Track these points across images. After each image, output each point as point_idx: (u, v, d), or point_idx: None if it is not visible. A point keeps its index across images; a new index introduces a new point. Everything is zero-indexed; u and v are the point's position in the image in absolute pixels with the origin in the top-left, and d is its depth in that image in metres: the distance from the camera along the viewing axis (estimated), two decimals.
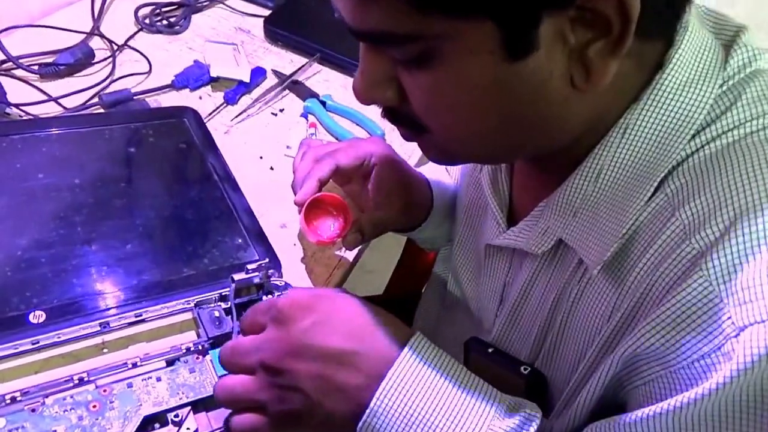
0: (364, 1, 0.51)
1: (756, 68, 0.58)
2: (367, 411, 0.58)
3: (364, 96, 0.60)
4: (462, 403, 0.58)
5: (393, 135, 1.18)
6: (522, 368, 0.70)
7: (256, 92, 1.20)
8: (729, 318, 0.50)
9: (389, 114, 0.63)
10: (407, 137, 0.65)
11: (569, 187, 0.62)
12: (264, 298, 0.80)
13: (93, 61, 1.15)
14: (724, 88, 0.58)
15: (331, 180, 0.87)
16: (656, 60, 0.57)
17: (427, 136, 0.62)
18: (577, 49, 0.51)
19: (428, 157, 0.67)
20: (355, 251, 0.97)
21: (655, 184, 0.57)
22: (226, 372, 0.66)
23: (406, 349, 0.60)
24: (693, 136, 0.57)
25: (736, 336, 0.49)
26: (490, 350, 0.74)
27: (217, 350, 0.73)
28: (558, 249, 0.67)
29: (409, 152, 1.15)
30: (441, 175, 1.00)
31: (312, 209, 0.85)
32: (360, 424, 0.58)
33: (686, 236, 0.54)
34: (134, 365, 0.71)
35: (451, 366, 0.61)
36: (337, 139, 1.15)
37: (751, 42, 0.59)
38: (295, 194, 0.85)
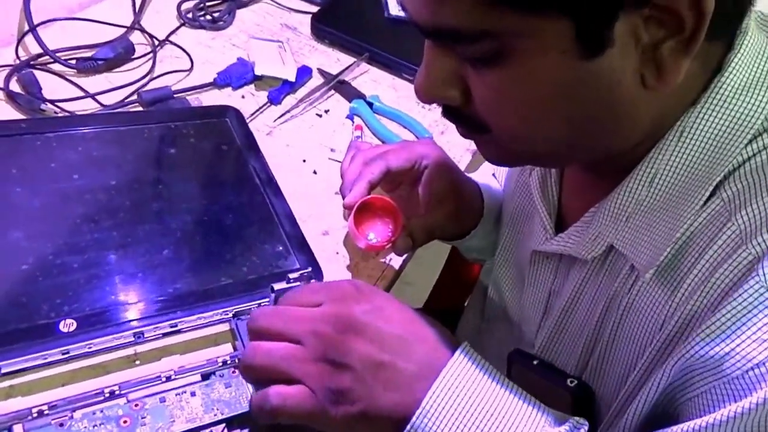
0: None
1: None
2: (418, 411, 0.56)
3: (426, 95, 0.60)
4: (513, 409, 0.57)
5: (441, 139, 1.16)
6: (568, 381, 0.69)
7: (301, 92, 1.19)
8: None
9: (449, 113, 0.62)
10: (466, 135, 0.65)
11: (623, 191, 0.62)
12: None
13: (133, 57, 1.14)
14: None
15: (378, 187, 0.85)
16: (716, 63, 0.58)
17: (487, 136, 0.61)
18: (650, 48, 0.52)
19: (486, 158, 0.68)
20: (400, 261, 0.95)
21: (711, 189, 0.58)
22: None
23: (458, 351, 0.59)
24: (750, 141, 0.57)
25: None
26: (534, 362, 0.74)
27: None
28: (608, 255, 0.67)
29: (458, 156, 1.13)
30: (490, 181, 0.99)
31: (361, 213, 0.84)
32: (413, 420, 0.56)
33: (742, 241, 0.54)
34: (168, 379, 0.70)
35: (498, 374, 0.60)
36: (383, 142, 1.13)
37: None
38: (343, 198, 0.85)
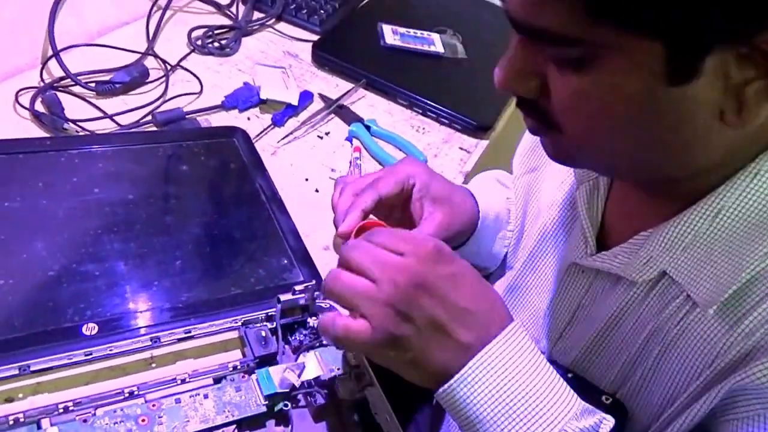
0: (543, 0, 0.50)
1: None
2: (457, 375, 0.58)
3: (505, 84, 0.59)
4: (543, 398, 0.58)
5: (435, 162, 1.18)
6: (603, 398, 0.68)
7: (303, 115, 1.21)
8: None
9: (524, 104, 0.61)
10: (534, 130, 0.64)
11: (683, 221, 0.61)
12: (309, 320, 0.80)
13: (147, 80, 1.16)
14: None
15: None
16: None
17: (556, 135, 0.60)
18: (736, 85, 0.50)
19: (548, 154, 0.66)
20: None
21: None
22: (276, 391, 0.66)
23: (500, 336, 0.60)
24: None
25: None
26: (569, 375, 0.73)
27: (264, 370, 0.73)
28: (659, 281, 0.65)
29: (451, 178, 1.15)
30: (486, 189, 0.98)
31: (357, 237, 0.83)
32: (451, 382, 0.58)
33: None
34: (183, 381, 0.71)
35: (538, 357, 0.60)
36: (380, 163, 1.15)
37: None
38: (336, 228, 0.82)
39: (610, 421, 0.59)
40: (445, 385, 0.58)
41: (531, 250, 0.88)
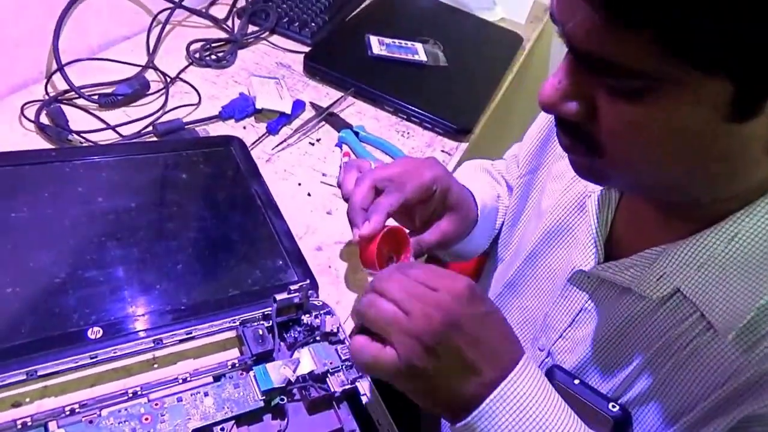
0: (612, 31, 0.46)
1: None
2: (476, 411, 0.56)
3: (551, 105, 0.55)
4: (558, 420, 0.57)
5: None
6: (611, 405, 0.66)
7: (296, 123, 1.19)
8: None
9: (565, 125, 0.57)
10: (569, 149, 0.60)
11: (699, 242, 0.59)
12: (303, 317, 0.78)
13: (147, 92, 1.14)
14: None
15: None
16: None
17: (594, 158, 0.57)
18: None
19: (578, 173, 0.62)
20: None
21: None
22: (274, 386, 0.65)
23: (513, 372, 0.58)
24: None
25: None
26: (576, 381, 0.71)
27: (261, 367, 0.71)
28: (671, 298, 0.63)
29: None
30: (482, 186, 0.96)
31: (369, 242, 0.78)
32: (464, 422, 0.57)
33: None
34: (184, 380, 0.70)
35: (549, 388, 0.59)
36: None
37: None
38: (351, 223, 0.78)
39: None
40: (467, 419, 0.56)
41: (532, 250, 0.85)
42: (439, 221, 0.83)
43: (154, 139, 1.06)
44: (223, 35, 1.35)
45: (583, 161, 0.60)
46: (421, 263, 0.67)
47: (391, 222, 0.80)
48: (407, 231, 0.81)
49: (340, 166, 1.11)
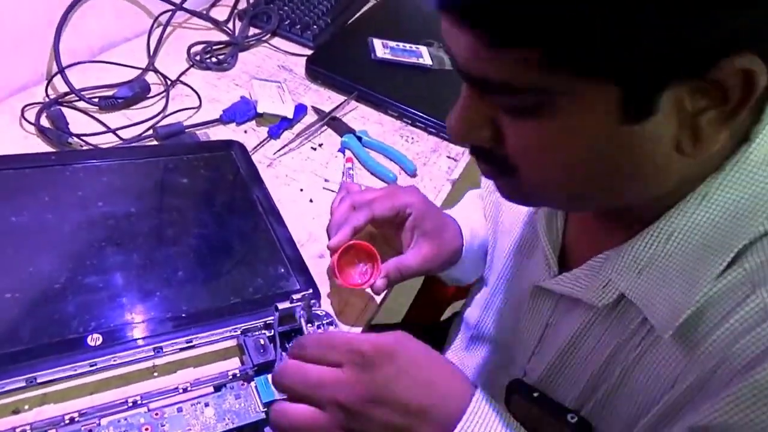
0: (494, 52, 0.48)
1: None
2: None
3: (460, 137, 0.57)
4: None
5: (424, 171, 1.17)
6: (569, 416, 0.67)
7: (297, 127, 1.20)
8: None
9: (477, 152, 0.59)
10: (488, 174, 0.62)
11: (638, 244, 0.60)
12: (306, 327, 0.79)
13: (148, 95, 1.15)
14: None
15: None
16: (744, 132, 0.55)
17: (511, 178, 0.58)
18: (690, 116, 0.49)
19: (504, 196, 0.64)
20: (380, 297, 0.94)
21: (731, 256, 0.55)
22: (276, 398, 0.65)
23: (470, 406, 0.58)
24: None
25: None
26: (535, 394, 0.71)
27: (262, 377, 0.72)
28: (618, 303, 0.64)
29: (439, 186, 1.15)
30: (470, 215, 0.98)
31: (345, 254, 0.85)
32: None
33: (767, 317, 0.52)
34: (184, 390, 0.70)
35: (510, 425, 0.59)
36: (372, 173, 1.14)
37: None
38: (329, 238, 0.85)
39: None
40: None
41: (500, 270, 0.88)
42: (420, 246, 0.87)
43: (155, 142, 1.07)
44: (224, 38, 1.36)
45: (505, 184, 0.62)
46: (316, 334, 0.67)
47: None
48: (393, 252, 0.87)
49: (343, 173, 1.12)
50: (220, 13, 1.41)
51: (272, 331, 0.77)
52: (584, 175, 0.54)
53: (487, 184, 0.99)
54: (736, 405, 0.51)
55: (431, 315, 1.35)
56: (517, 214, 0.86)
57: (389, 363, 0.58)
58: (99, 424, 0.66)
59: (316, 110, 1.24)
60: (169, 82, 1.18)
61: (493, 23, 0.47)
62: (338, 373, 0.59)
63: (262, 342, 0.76)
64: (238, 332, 0.77)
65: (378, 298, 0.93)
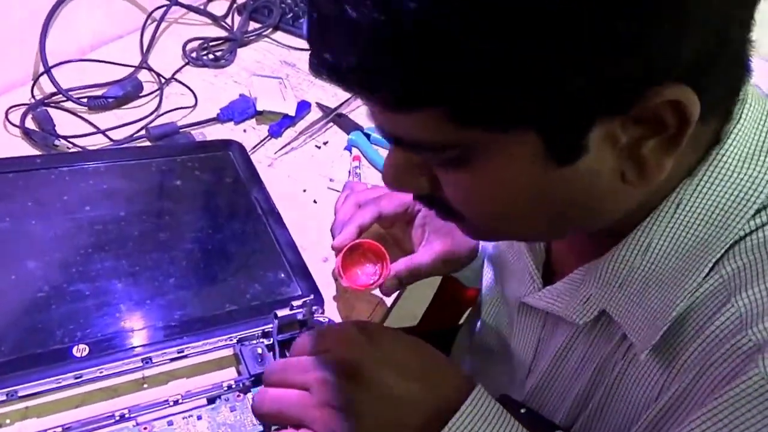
0: (400, 112, 0.47)
1: None
2: None
3: (395, 186, 0.57)
4: None
5: None
6: None
7: (300, 125, 1.19)
8: None
9: (421, 198, 0.60)
10: (443, 218, 0.62)
11: (616, 257, 0.58)
12: None
13: (140, 94, 1.15)
14: None
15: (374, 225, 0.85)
16: (713, 135, 0.54)
17: (464, 221, 0.59)
18: (628, 147, 0.48)
19: (467, 236, 0.64)
20: (391, 299, 0.94)
21: (711, 265, 0.54)
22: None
23: (468, 399, 0.57)
24: (755, 214, 0.53)
25: None
26: (522, 410, 0.70)
27: (259, 388, 0.71)
28: (599, 319, 0.63)
29: None
30: None
31: (351, 254, 0.84)
32: None
33: (743, 326, 0.50)
34: (175, 402, 0.70)
35: (510, 424, 0.58)
36: (380, 171, 1.13)
37: None
38: (333, 238, 0.84)
39: None
40: None
41: (490, 283, 0.87)
42: (431, 244, 0.86)
43: (147, 143, 1.07)
44: (222, 33, 1.36)
45: (462, 228, 0.62)
46: (307, 333, 0.67)
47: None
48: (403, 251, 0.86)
49: (349, 172, 1.11)
50: (217, 8, 1.42)
51: (271, 339, 0.76)
52: (531, 217, 0.55)
53: None
54: (713, 423, 0.50)
55: (449, 319, 1.33)
56: None
57: (377, 343, 0.60)
58: None
59: (321, 107, 1.24)
60: (162, 81, 1.19)
61: (390, 87, 0.46)
62: (327, 357, 0.60)
63: (259, 351, 0.75)
64: (234, 341, 0.76)
65: (388, 302, 0.93)
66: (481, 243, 0.91)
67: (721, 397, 0.49)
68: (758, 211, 0.53)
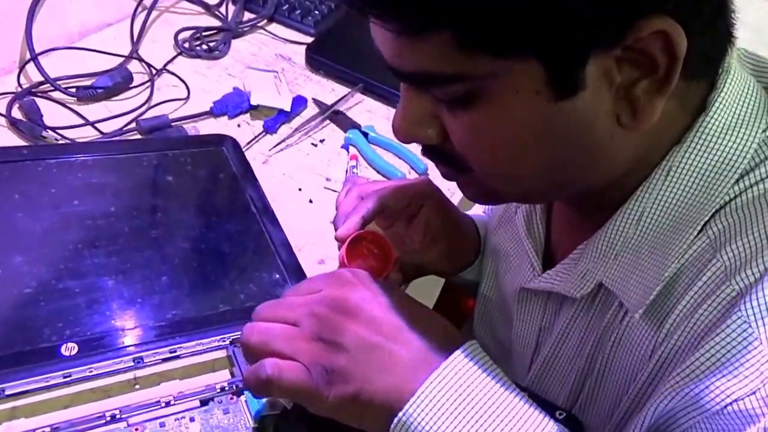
0: (409, 42, 0.52)
1: None
2: (411, 399, 0.57)
3: (404, 135, 0.61)
4: (514, 409, 0.58)
5: (436, 170, 1.17)
6: (557, 413, 0.68)
7: (296, 121, 1.21)
8: None
9: (430, 152, 0.64)
10: (447, 176, 0.66)
11: (610, 229, 0.63)
12: None
13: (131, 85, 1.17)
14: None
15: (374, 222, 0.86)
16: (699, 102, 0.59)
17: (468, 175, 0.62)
18: (624, 88, 0.53)
19: (467, 197, 0.68)
20: None
21: (699, 228, 0.58)
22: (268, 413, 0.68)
23: (462, 348, 0.60)
24: (737, 180, 0.58)
25: None
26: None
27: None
28: (598, 293, 0.67)
29: (453, 188, 1.15)
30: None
31: (353, 247, 0.85)
32: (405, 408, 0.57)
33: (727, 277, 0.55)
34: (167, 404, 0.72)
35: (502, 376, 0.60)
36: (379, 172, 1.16)
37: None
38: (335, 230, 0.85)
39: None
40: (399, 414, 0.57)
41: (487, 276, 0.91)
42: (434, 242, 0.89)
43: (138, 136, 1.09)
44: (215, 23, 1.38)
45: (465, 184, 0.66)
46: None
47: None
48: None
49: (346, 170, 1.13)
50: None
51: None
52: (532, 161, 0.58)
53: None
54: (701, 371, 0.53)
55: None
56: (498, 216, 0.89)
57: (367, 286, 0.64)
58: None
59: (318, 103, 1.26)
60: (154, 71, 1.21)
61: (396, 10, 0.50)
62: (316, 294, 0.64)
63: None
64: (228, 342, 0.78)
65: None
66: (482, 234, 0.94)
67: (707, 344, 0.53)
68: (740, 177, 0.58)
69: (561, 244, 0.75)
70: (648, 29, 0.49)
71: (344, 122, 1.24)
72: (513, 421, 0.57)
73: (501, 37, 0.49)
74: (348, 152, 1.18)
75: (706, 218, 0.58)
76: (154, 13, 1.32)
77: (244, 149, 1.09)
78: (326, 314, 0.61)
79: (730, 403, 0.51)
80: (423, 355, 0.60)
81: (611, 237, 0.63)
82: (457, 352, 0.59)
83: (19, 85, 1.10)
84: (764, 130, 0.59)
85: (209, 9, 1.41)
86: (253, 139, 1.15)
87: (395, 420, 0.57)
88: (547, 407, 0.70)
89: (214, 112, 1.17)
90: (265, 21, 1.44)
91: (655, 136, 0.58)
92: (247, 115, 1.20)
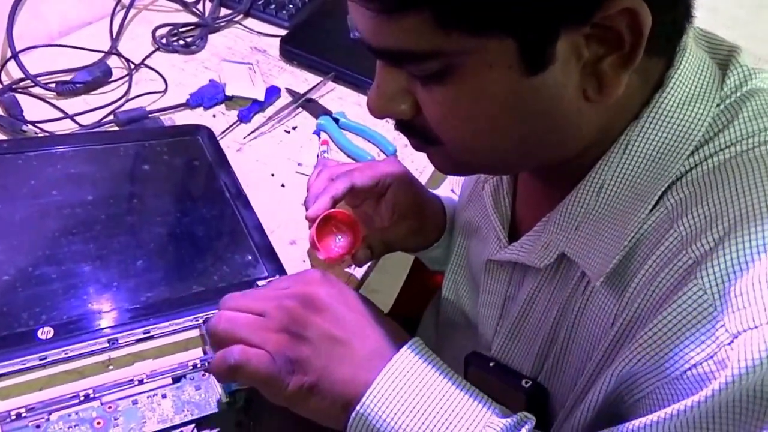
0: (388, 21, 0.51)
1: (751, 87, 0.60)
2: (368, 391, 0.59)
3: (379, 111, 0.61)
4: (458, 402, 0.59)
5: (405, 152, 1.17)
6: (523, 381, 0.70)
7: (270, 110, 1.19)
8: (723, 326, 0.50)
9: (402, 126, 0.63)
10: (418, 148, 0.66)
11: (572, 201, 0.63)
12: None
13: (110, 80, 1.14)
14: (722, 107, 0.59)
15: (343, 201, 0.85)
16: (657, 79, 0.59)
17: (438, 147, 0.62)
18: (591, 63, 0.53)
19: (437, 168, 0.68)
20: (364, 269, 0.95)
21: (656, 199, 0.58)
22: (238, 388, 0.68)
23: (408, 344, 0.62)
24: (692, 153, 0.58)
25: (729, 343, 0.49)
26: (491, 364, 0.74)
27: None
28: (561, 263, 0.67)
29: (422, 167, 1.14)
30: (452, 196, 0.99)
31: (323, 226, 0.84)
32: (363, 400, 0.59)
33: (683, 246, 0.55)
34: (140, 382, 0.70)
35: (447, 370, 0.62)
36: (349, 156, 1.14)
37: (746, 62, 0.61)
38: (306, 210, 0.85)
39: (532, 419, 0.60)
40: (357, 406, 0.59)
41: (456, 250, 0.91)
42: (402, 219, 0.89)
43: (116, 128, 1.06)
44: (192, 19, 1.36)
45: (435, 155, 0.66)
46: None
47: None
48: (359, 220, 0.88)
49: (317, 155, 1.11)
50: None
51: None
52: (503, 134, 0.58)
53: None
54: (659, 338, 0.53)
55: (418, 307, 1.34)
56: (466, 192, 0.89)
57: (333, 285, 0.65)
58: (48, 419, 0.65)
59: (291, 92, 1.24)
60: (132, 66, 1.18)
61: None
62: (287, 290, 0.65)
63: None
64: (201, 321, 0.76)
65: (359, 273, 0.94)
66: (449, 217, 0.93)
67: (665, 311, 0.53)
68: (695, 149, 0.58)
69: (526, 217, 0.75)
70: (616, 7, 0.49)
71: (316, 109, 1.22)
72: (452, 408, 0.59)
73: (479, 16, 0.49)
74: (319, 138, 1.16)
75: (662, 189, 0.58)
76: (132, 11, 1.29)
77: (219, 138, 1.07)
78: (294, 307, 0.62)
79: (689, 368, 0.51)
80: (380, 350, 0.61)
81: (573, 208, 0.63)
82: (405, 347, 0.61)
83: (0, 81, 1.07)
84: (718, 104, 0.59)
85: (186, 6, 1.38)
86: (227, 129, 1.12)
87: (354, 413, 0.59)
88: (514, 376, 0.72)
89: (191, 103, 1.14)
90: (241, 16, 1.41)
91: (618, 110, 0.58)
92: (223, 105, 1.18)
